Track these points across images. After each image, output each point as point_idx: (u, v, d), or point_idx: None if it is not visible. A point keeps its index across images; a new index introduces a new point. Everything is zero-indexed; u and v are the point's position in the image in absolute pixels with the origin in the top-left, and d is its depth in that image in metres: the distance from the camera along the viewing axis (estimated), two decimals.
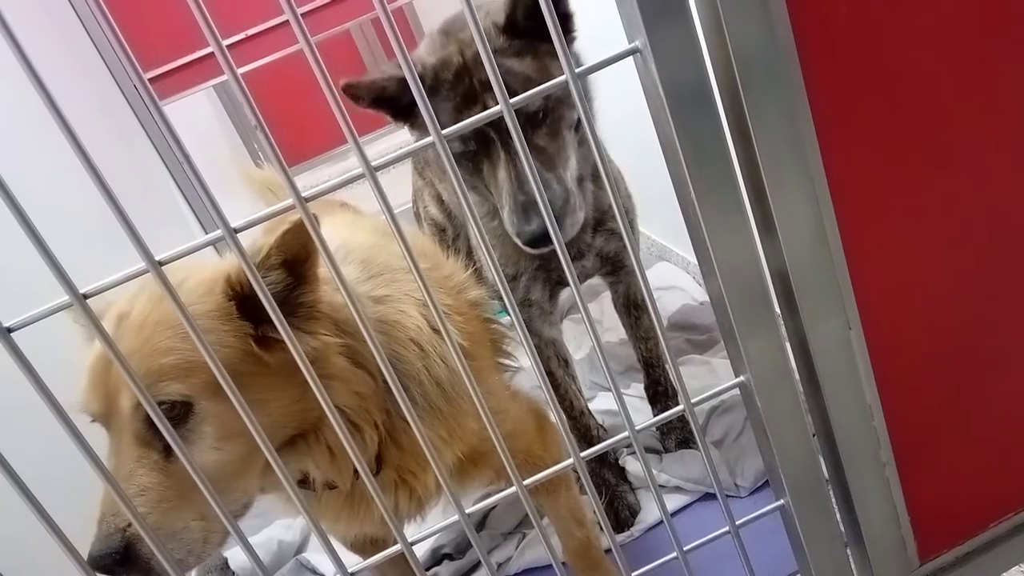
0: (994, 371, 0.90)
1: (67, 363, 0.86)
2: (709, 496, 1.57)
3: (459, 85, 1.20)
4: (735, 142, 0.70)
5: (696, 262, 0.75)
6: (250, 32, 2.69)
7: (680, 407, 0.75)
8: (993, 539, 0.96)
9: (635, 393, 1.87)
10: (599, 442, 0.93)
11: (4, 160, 1.75)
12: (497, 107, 0.60)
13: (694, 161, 0.67)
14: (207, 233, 0.58)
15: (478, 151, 1.21)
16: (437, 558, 1.65)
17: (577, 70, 0.62)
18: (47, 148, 1.38)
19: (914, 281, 0.82)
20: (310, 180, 5.40)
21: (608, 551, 1.41)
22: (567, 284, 1.53)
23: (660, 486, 1.61)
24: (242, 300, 0.85)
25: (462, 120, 0.62)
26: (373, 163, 0.59)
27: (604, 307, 2.24)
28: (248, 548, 0.67)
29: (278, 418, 0.87)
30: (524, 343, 0.68)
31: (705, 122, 0.66)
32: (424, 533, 0.74)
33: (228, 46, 0.52)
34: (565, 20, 1.23)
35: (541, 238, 1.17)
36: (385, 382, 0.92)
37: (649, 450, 1.72)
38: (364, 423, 0.93)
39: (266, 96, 5.14)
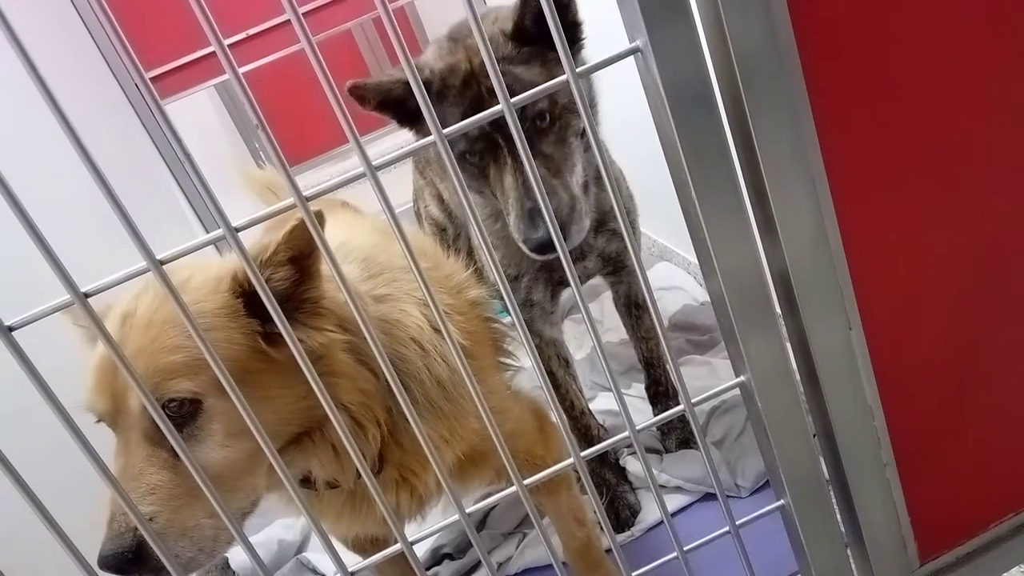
0: (995, 371, 0.90)
1: (69, 362, 0.86)
2: (709, 496, 1.57)
3: (466, 91, 1.20)
4: (736, 142, 0.70)
5: (697, 262, 0.75)
6: (251, 32, 2.70)
7: (680, 407, 0.75)
8: (993, 539, 0.96)
9: (636, 393, 1.87)
10: (600, 442, 0.93)
11: (6, 159, 1.75)
12: (499, 107, 0.60)
13: (695, 161, 0.67)
14: (208, 232, 0.58)
15: (484, 156, 1.21)
16: (437, 558, 1.65)
17: (578, 70, 0.62)
18: (49, 147, 1.38)
19: (915, 282, 0.82)
20: (311, 179, 5.40)
21: (608, 551, 1.41)
22: (568, 284, 1.54)
23: (660, 486, 1.61)
24: (249, 297, 0.85)
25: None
26: (374, 163, 0.59)
27: (605, 307, 2.24)
28: (248, 547, 0.67)
29: (286, 415, 0.87)
30: (525, 343, 0.68)
31: (706, 122, 0.66)
32: (424, 533, 0.74)
33: (229, 45, 0.52)
34: (573, 28, 1.23)
35: (547, 245, 1.17)
36: (387, 380, 0.93)
37: (649, 450, 1.72)
38: (367, 421, 0.93)
39: (267, 95, 5.14)
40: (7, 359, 0.57)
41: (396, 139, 5.80)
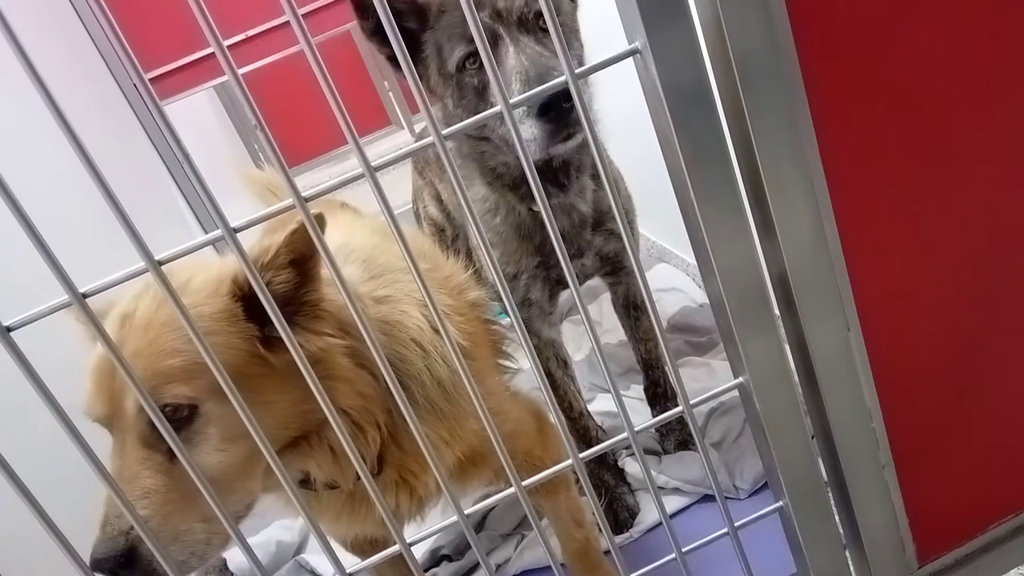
0: (993, 373, 0.90)
1: (68, 362, 0.86)
2: (708, 498, 1.57)
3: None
4: (735, 143, 0.70)
5: (696, 263, 0.75)
6: (251, 33, 2.69)
7: (679, 408, 0.75)
8: (992, 541, 0.96)
9: (634, 395, 1.87)
10: (598, 443, 0.93)
11: (4, 159, 1.75)
12: None
13: (694, 162, 0.67)
14: (207, 233, 0.58)
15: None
16: (436, 559, 1.65)
17: (577, 71, 0.62)
18: (47, 147, 1.38)
19: (913, 283, 0.83)
20: (310, 180, 5.41)
21: (607, 552, 1.41)
22: (567, 285, 1.54)
23: (659, 487, 1.61)
24: (248, 300, 0.85)
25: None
26: (373, 163, 0.59)
27: (603, 308, 2.24)
28: (247, 549, 0.67)
29: (283, 419, 0.87)
30: (523, 343, 0.68)
31: (705, 123, 0.66)
32: (422, 534, 0.74)
33: (229, 47, 0.52)
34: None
35: (553, 106, 1.10)
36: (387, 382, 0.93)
37: (648, 451, 1.72)
38: (367, 424, 0.93)
39: (266, 96, 5.15)
40: (5, 359, 0.56)
41: (395, 140, 5.82)
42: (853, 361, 0.80)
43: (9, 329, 0.57)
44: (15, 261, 1.24)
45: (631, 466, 1.67)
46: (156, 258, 0.57)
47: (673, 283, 2.35)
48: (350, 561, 0.72)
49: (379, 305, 1.01)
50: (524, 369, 1.42)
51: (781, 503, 0.85)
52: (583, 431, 1.62)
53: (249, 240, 0.83)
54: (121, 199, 0.54)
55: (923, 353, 0.86)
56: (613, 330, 2.10)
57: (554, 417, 0.72)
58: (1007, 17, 0.76)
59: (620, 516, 1.57)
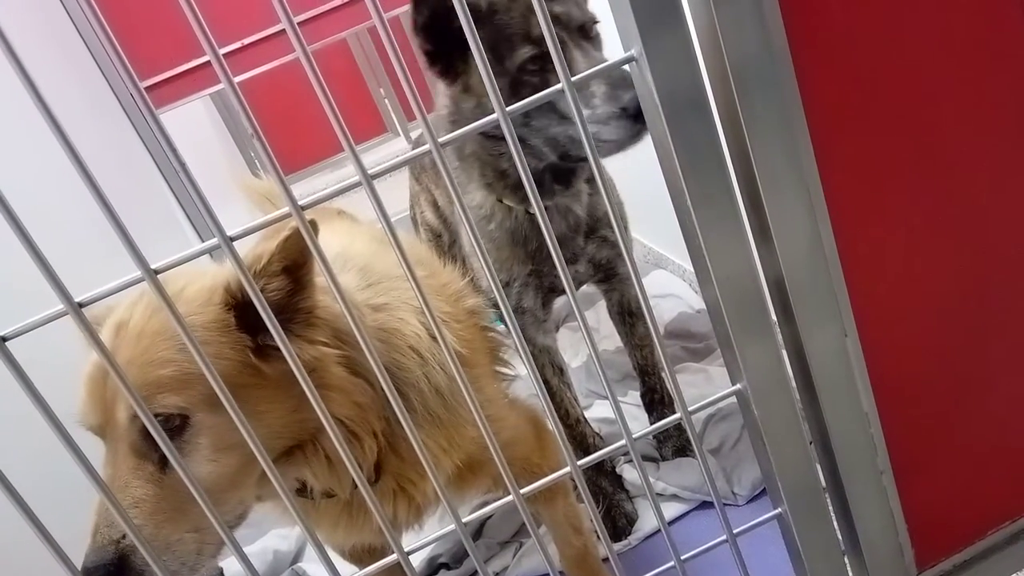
0: (990, 378, 0.90)
1: (63, 372, 0.85)
2: (706, 504, 1.57)
3: (523, 17, 1.21)
4: (731, 150, 0.71)
5: (692, 270, 0.75)
6: (246, 41, 2.70)
7: (677, 415, 0.75)
8: (991, 547, 0.96)
9: (632, 401, 1.87)
10: (596, 450, 0.92)
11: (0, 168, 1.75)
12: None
13: (690, 169, 0.67)
14: (203, 241, 0.58)
15: (547, 60, 1.21)
16: (434, 567, 1.64)
17: (573, 79, 0.62)
18: (42, 156, 1.38)
19: (910, 288, 0.83)
20: (307, 188, 5.40)
21: (605, 560, 1.41)
22: (561, 292, 1.54)
23: (657, 494, 1.61)
24: (241, 309, 0.85)
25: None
26: (370, 171, 0.59)
27: (600, 315, 2.24)
28: (244, 559, 0.67)
29: (276, 429, 0.87)
30: (519, 349, 0.68)
31: (701, 130, 0.66)
32: (420, 543, 0.74)
33: (224, 55, 0.52)
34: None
35: (637, 116, 1.14)
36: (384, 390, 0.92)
37: (646, 458, 1.72)
38: (363, 432, 0.93)
39: (263, 104, 5.15)
40: (1, 368, 0.56)
41: (391, 147, 5.82)
42: (851, 367, 0.80)
43: (4, 339, 0.56)
44: (11, 270, 1.24)
45: (629, 473, 1.67)
46: (152, 267, 0.57)
47: (670, 289, 2.35)
48: (347, 570, 0.72)
49: (376, 313, 1.01)
50: (522, 376, 1.41)
51: (780, 510, 0.85)
52: (580, 438, 1.62)
53: (246, 249, 0.83)
54: (117, 208, 0.54)
55: (921, 359, 0.86)
56: (610, 336, 2.10)
57: (552, 424, 0.72)
58: (1001, 30, 0.76)
59: (618, 523, 1.57)
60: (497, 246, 1.44)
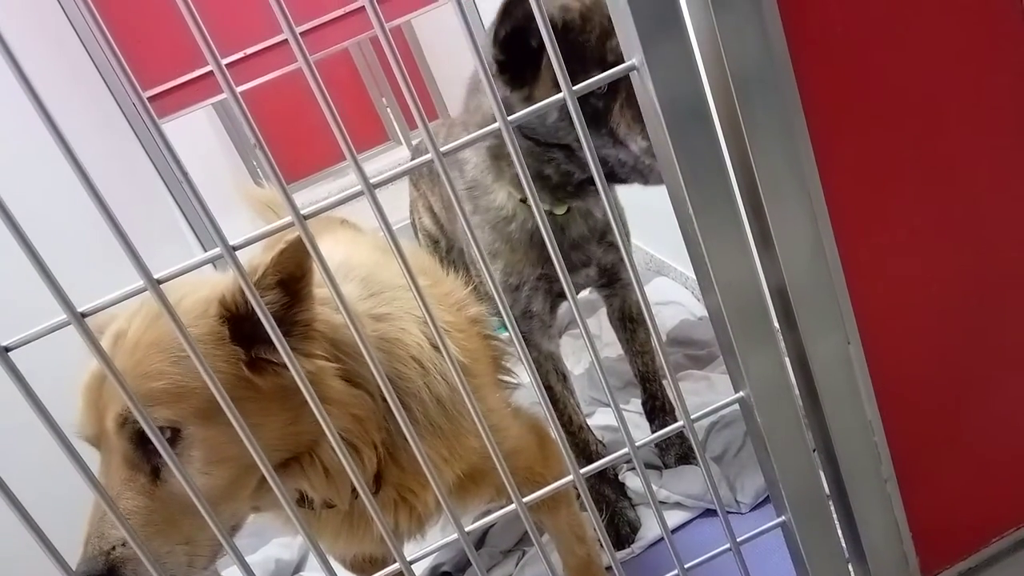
0: (994, 385, 0.90)
1: (65, 382, 0.85)
2: (710, 512, 1.56)
3: (589, 25, 1.18)
4: (732, 158, 0.71)
5: (695, 277, 0.75)
6: (249, 51, 2.71)
7: (680, 423, 0.75)
8: (996, 554, 0.96)
9: (634, 409, 1.87)
10: (598, 458, 0.93)
11: (2, 178, 1.76)
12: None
13: (691, 177, 0.67)
14: (206, 251, 0.58)
15: (610, 90, 1.19)
16: None
17: (574, 87, 0.62)
18: (45, 166, 1.38)
19: (913, 295, 0.83)
20: (309, 197, 5.42)
21: (609, 568, 1.40)
22: (567, 297, 1.53)
23: (660, 502, 1.60)
24: (235, 321, 0.84)
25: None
26: (372, 180, 0.59)
27: (602, 322, 2.24)
28: (246, 568, 0.67)
29: (271, 442, 0.86)
30: (522, 356, 0.68)
31: (702, 138, 0.66)
32: (423, 552, 0.74)
33: (227, 65, 0.52)
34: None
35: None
36: (384, 401, 0.92)
37: (648, 466, 1.72)
38: (362, 444, 0.92)
39: (265, 114, 5.17)
40: (3, 378, 0.56)
41: (393, 156, 5.84)
42: (854, 374, 0.80)
43: (7, 349, 0.56)
44: (13, 280, 1.24)
45: (632, 481, 1.66)
46: (155, 276, 0.57)
47: (672, 296, 2.35)
48: None
49: (378, 323, 1.01)
50: (524, 384, 1.41)
51: (783, 518, 0.85)
52: (583, 445, 1.62)
53: (248, 258, 0.83)
54: (120, 217, 0.54)
55: (924, 366, 0.86)
56: (612, 344, 2.09)
57: (555, 433, 0.71)
58: (1000, 33, 0.76)
59: (621, 531, 1.56)
60: (512, 248, 1.44)
